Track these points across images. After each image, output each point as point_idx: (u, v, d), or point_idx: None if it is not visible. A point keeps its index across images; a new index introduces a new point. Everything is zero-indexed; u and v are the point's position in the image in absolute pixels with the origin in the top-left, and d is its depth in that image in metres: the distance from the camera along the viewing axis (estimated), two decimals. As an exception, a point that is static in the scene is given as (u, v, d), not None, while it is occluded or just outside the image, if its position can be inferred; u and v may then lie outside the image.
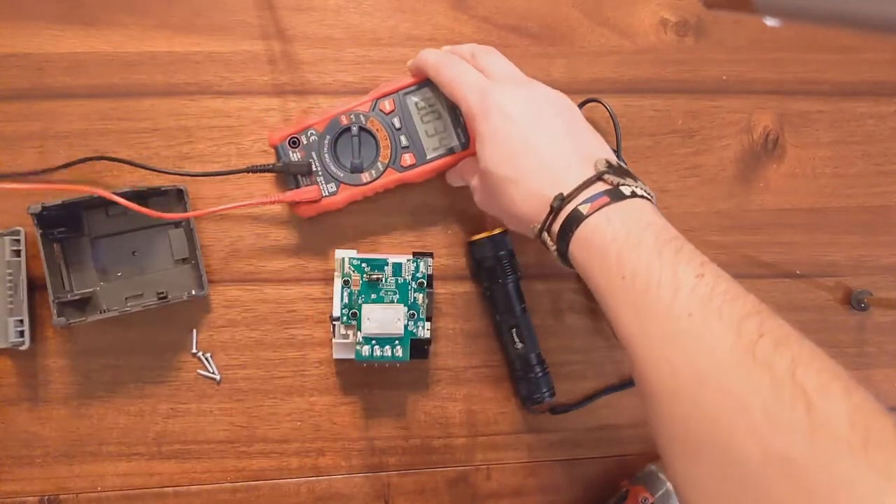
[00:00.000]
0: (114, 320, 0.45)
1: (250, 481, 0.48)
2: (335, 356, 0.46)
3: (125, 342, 0.47)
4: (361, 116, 0.46)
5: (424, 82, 0.47)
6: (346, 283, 0.45)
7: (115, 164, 0.47)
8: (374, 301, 0.45)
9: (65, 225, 0.45)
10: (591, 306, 0.51)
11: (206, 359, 0.48)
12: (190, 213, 0.45)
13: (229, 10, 0.48)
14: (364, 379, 0.49)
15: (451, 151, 0.47)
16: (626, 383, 0.51)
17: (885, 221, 0.54)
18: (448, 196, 0.50)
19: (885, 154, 0.54)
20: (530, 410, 0.50)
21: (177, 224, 0.47)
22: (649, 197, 0.38)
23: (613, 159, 0.39)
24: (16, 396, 0.46)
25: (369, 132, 0.46)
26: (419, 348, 0.46)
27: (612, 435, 0.51)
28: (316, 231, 0.48)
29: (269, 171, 0.46)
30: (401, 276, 0.46)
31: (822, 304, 0.53)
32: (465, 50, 0.46)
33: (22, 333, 0.44)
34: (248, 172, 0.46)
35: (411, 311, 0.46)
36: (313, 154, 0.46)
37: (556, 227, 0.38)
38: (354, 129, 0.46)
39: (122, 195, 0.45)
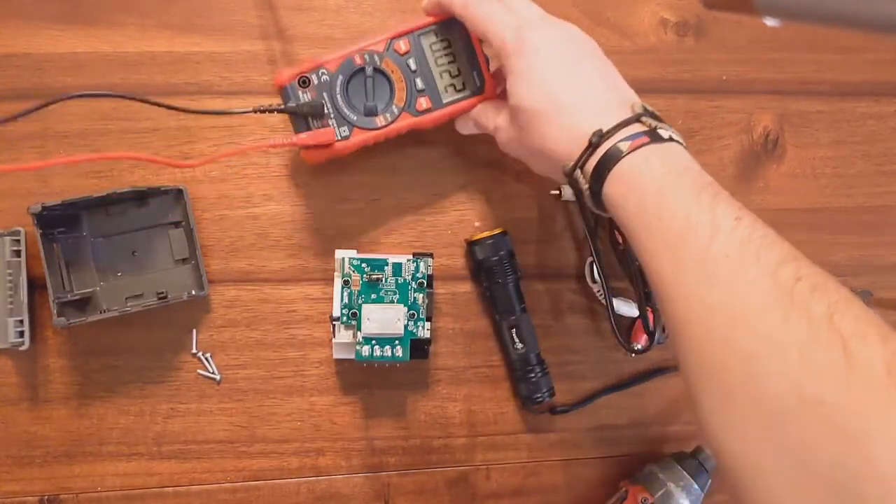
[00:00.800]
0: (114, 320, 0.45)
1: (250, 481, 0.48)
2: (335, 356, 0.46)
3: (125, 342, 0.47)
4: (376, 57, 0.44)
5: (441, 23, 0.45)
6: (346, 283, 0.45)
7: (115, 164, 0.47)
8: (374, 301, 0.45)
9: (65, 225, 0.45)
10: (591, 306, 0.51)
11: (206, 359, 0.48)
12: (213, 158, 0.45)
13: (229, 10, 0.48)
14: (364, 379, 0.49)
15: (467, 96, 0.46)
16: (626, 383, 0.51)
17: (885, 221, 0.54)
18: (448, 196, 0.50)
19: (885, 154, 0.54)
20: (530, 410, 0.50)
21: (177, 224, 0.47)
22: (683, 143, 0.38)
23: (647, 105, 0.39)
24: (16, 396, 0.46)
25: (384, 73, 0.44)
26: (419, 348, 0.46)
27: (611, 435, 0.51)
28: (316, 231, 0.48)
29: (278, 111, 0.43)
30: (401, 277, 0.46)
31: (822, 304, 0.53)
32: None
33: (22, 334, 0.44)
34: (255, 112, 0.42)
35: (411, 312, 0.46)
36: (325, 95, 0.43)
37: (592, 164, 0.38)
38: (369, 70, 0.43)
39: (122, 195, 0.45)
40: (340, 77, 0.43)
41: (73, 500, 0.47)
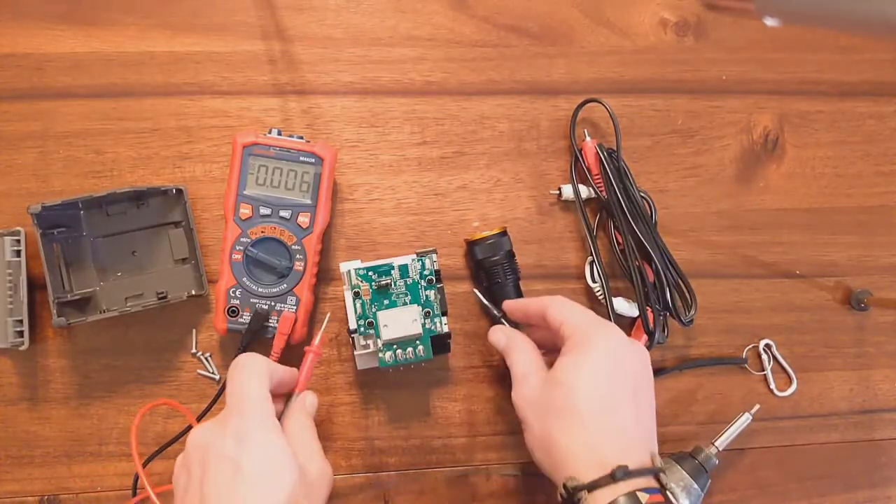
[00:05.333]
0: (114, 320, 0.45)
1: (250, 481, 0.48)
2: (360, 367, 0.45)
3: (125, 342, 0.47)
4: (249, 238, 0.45)
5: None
6: (356, 295, 0.45)
7: (115, 164, 0.47)
8: (387, 307, 0.45)
9: (65, 225, 0.45)
10: (592, 306, 0.51)
11: (206, 359, 0.48)
12: None
13: (229, 10, 0.48)
14: (364, 379, 0.49)
15: (317, 188, 0.45)
16: (626, 383, 0.51)
17: (884, 221, 0.54)
18: (448, 196, 0.50)
19: (885, 154, 0.54)
20: (530, 410, 0.50)
21: (177, 224, 0.47)
22: None
23: (660, 459, 0.39)
24: (16, 396, 0.46)
25: (264, 240, 0.45)
26: (440, 343, 0.45)
27: (612, 435, 0.51)
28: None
29: (251, 336, 0.45)
30: (409, 277, 0.45)
31: (822, 304, 0.53)
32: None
33: (21, 333, 0.44)
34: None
35: (426, 309, 0.45)
36: (251, 301, 0.45)
37: (603, 499, 0.36)
38: (253, 251, 0.45)
39: (122, 195, 0.45)
40: (245, 279, 0.45)
41: (73, 500, 0.47)
